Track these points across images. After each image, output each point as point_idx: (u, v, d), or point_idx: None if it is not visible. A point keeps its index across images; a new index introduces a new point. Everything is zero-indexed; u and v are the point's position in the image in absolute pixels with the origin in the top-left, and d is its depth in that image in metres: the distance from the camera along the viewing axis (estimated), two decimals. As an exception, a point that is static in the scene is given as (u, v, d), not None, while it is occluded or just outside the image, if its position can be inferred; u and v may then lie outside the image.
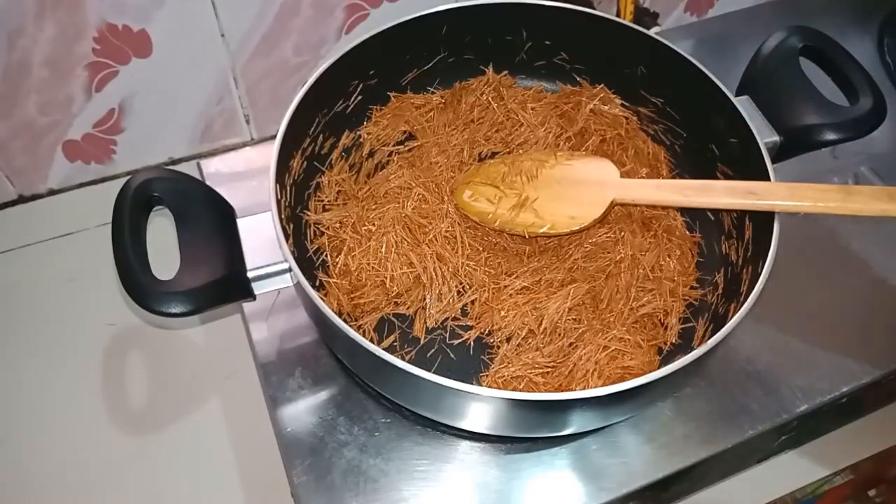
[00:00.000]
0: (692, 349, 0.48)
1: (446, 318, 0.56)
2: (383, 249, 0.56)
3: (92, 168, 0.73)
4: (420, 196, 0.59)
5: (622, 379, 0.45)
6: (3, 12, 0.58)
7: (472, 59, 0.68)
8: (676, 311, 0.56)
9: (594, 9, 0.66)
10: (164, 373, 0.62)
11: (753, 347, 0.59)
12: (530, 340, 0.54)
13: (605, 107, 0.66)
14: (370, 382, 0.54)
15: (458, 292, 0.57)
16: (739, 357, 0.58)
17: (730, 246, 0.59)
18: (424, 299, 0.56)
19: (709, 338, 0.46)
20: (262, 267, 0.49)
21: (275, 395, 0.55)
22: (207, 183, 0.60)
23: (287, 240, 0.50)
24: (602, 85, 0.67)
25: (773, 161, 0.56)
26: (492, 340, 0.55)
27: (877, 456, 0.62)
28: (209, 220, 0.51)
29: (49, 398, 0.61)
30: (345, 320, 0.46)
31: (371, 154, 0.65)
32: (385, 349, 0.46)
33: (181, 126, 0.73)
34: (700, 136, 0.63)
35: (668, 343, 0.56)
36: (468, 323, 0.56)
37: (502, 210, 0.59)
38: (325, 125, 0.62)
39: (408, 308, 0.56)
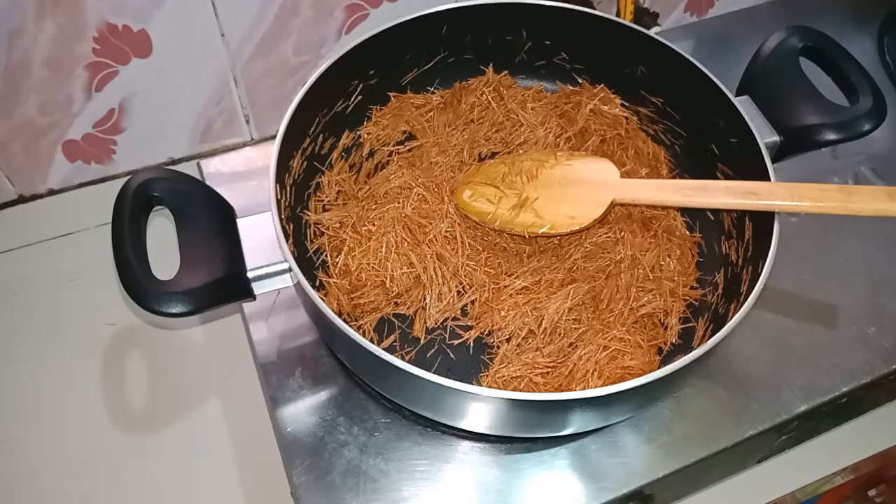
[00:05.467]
0: (692, 349, 0.48)
1: (446, 318, 0.56)
2: (383, 249, 0.56)
3: (92, 168, 0.73)
4: (420, 196, 0.59)
5: (622, 379, 0.45)
6: (3, 12, 0.58)
7: (472, 59, 0.68)
8: (676, 311, 0.56)
9: (594, 9, 0.66)
10: (164, 373, 0.62)
11: (753, 347, 0.59)
12: (530, 340, 0.54)
13: (605, 107, 0.66)
14: (370, 382, 0.54)
15: (458, 292, 0.57)
16: (739, 357, 0.58)
17: (730, 246, 0.59)
18: (424, 299, 0.56)
19: (709, 338, 0.46)
20: (262, 267, 0.49)
21: (275, 395, 0.55)
22: (207, 183, 0.60)
23: (287, 240, 0.50)
24: (602, 85, 0.67)
25: (773, 161, 0.56)
26: (492, 340, 0.55)
27: (877, 456, 0.62)
28: (209, 220, 0.51)
29: (49, 398, 0.61)
30: (345, 320, 0.46)
31: (371, 154, 0.65)
32: (385, 349, 0.46)
33: (181, 126, 0.73)
34: (700, 136, 0.63)
35: (668, 343, 0.56)
36: (468, 323, 0.56)
37: (502, 210, 0.59)
38: (325, 125, 0.62)
39: (408, 308, 0.56)
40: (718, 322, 0.54)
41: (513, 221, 0.58)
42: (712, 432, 0.54)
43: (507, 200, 0.59)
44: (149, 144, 0.73)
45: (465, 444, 0.53)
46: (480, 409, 0.47)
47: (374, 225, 0.57)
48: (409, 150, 0.66)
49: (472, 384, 0.43)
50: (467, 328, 0.56)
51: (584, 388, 0.50)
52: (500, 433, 0.51)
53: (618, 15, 0.82)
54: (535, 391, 0.51)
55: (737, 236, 0.58)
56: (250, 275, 0.49)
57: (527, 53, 0.69)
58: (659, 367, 0.48)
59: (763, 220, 0.53)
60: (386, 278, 0.55)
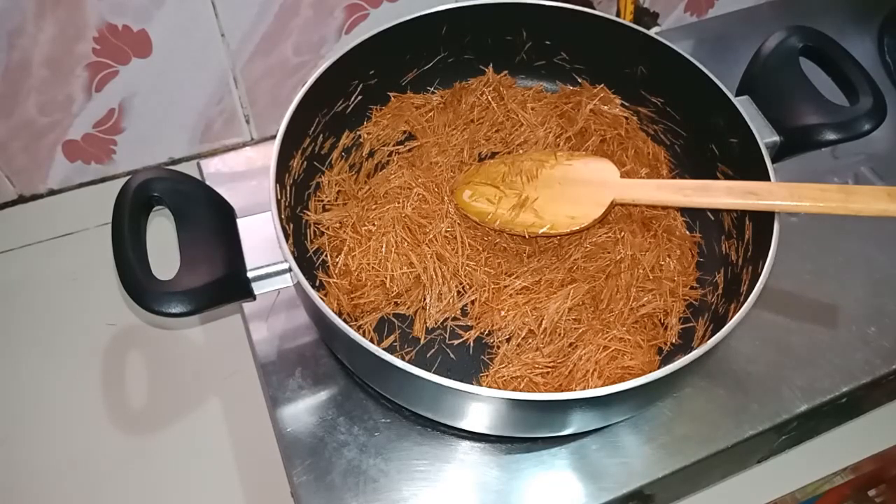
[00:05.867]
0: (692, 349, 0.48)
1: (446, 318, 0.56)
2: (383, 249, 0.56)
3: (92, 168, 0.73)
4: (420, 196, 0.59)
5: (622, 379, 0.45)
6: (3, 12, 0.58)
7: (472, 59, 0.68)
8: (676, 311, 0.56)
9: (594, 9, 0.66)
10: (164, 373, 0.62)
11: (753, 347, 0.59)
12: (530, 340, 0.54)
13: (605, 107, 0.66)
14: (370, 382, 0.54)
15: (458, 292, 0.57)
16: (739, 357, 0.58)
17: (730, 246, 0.59)
18: (424, 299, 0.56)
19: (709, 338, 0.46)
20: (262, 267, 0.49)
21: (275, 395, 0.55)
22: (207, 183, 0.60)
23: (287, 240, 0.50)
24: (602, 85, 0.67)
25: (773, 161, 0.56)
26: (492, 340, 0.55)
27: (877, 456, 0.62)
28: (209, 220, 0.51)
29: (49, 398, 0.61)
30: (345, 320, 0.46)
31: (371, 154, 0.65)
32: (385, 349, 0.46)
33: (181, 126, 0.73)
34: (700, 136, 0.63)
35: (668, 343, 0.56)
36: (468, 323, 0.56)
37: (502, 210, 0.59)
38: (325, 125, 0.62)
39: (408, 308, 0.56)
40: (718, 322, 0.54)
41: (513, 221, 0.58)
42: (712, 432, 0.54)
43: (507, 200, 0.59)
44: (149, 144, 0.73)
45: (465, 444, 0.53)
46: (480, 409, 0.47)
47: (374, 225, 0.57)
48: (409, 150, 0.66)
49: (472, 384, 0.43)
50: (467, 328, 0.56)
51: (584, 388, 0.50)
52: (500, 433, 0.51)
53: (618, 15, 0.82)
54: (535, 391, 0.51)
55: (737, 236, 0.58)
56: (250, 275, 0.49)
57: (527, 53, 0.69)
58: (659, 367, 0.48)
59: (763, 220, 0.53)
60: (386, 278, 0.55)
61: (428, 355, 0.55)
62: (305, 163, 0.60)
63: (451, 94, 0.68)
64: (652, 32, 0.63)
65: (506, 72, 0.69)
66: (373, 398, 0.55)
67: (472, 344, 0.55)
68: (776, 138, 0.58)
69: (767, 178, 0.54)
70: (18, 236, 0.70)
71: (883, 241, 0.66)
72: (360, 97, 0.64)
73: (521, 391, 0.49)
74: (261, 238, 0.50)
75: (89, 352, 0.63)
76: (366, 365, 0.50)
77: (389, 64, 0.65)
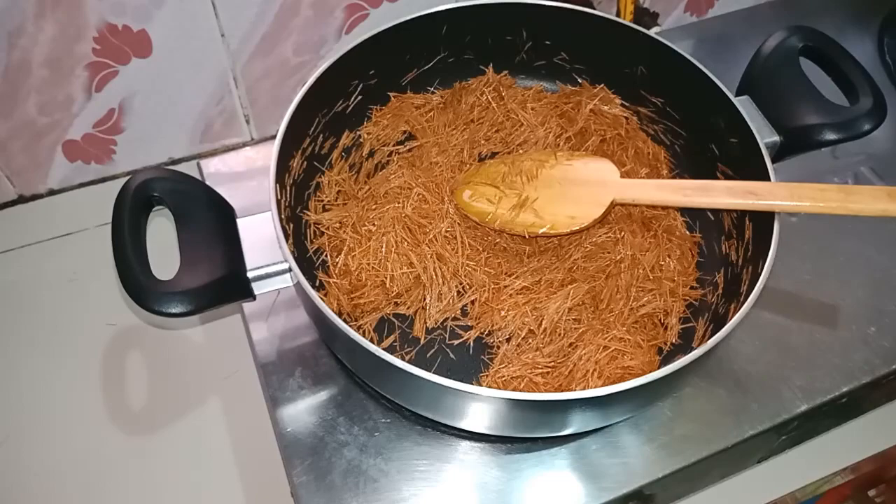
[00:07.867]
0: (692, 349, 0.48)
1: (446, 318, 0.56)
2: (383, 249, 0.56)
3: (92, 168, 0.73)
4: (420, 196, 0.59)
5: (622, 379, 0.46)
6: (3, 12, 0.58)
7: (472, 59, 0.68)
8: (676, 311, 0.56)
9: (594, 9, 0.66)
10: (164, 373, 0.62)
11: (753, 347, 0.59)
12: (530, 340, 0.54)
13: (605, 107, 0.66)
14: (370, 382, 0.54)
15: (458, 292, 0.57)
16: (739, 357, 0.58)
17: (730, 246, 0.59)
18: (424, 299, 0.56)
19: (709, 338, 0.46)
20: (262, 267, 0.49)
21: (275, 395, 0.55)
22: (207, 183, 0.60)
23: (287, 240, 0.50)
24: (602, 85, 0.67)
25: (773, 161, 0.56)
26: (492, 340, 0.55)
27: (877, 456, 0.62)
28: (209, 220, 0.51)
29: (49, 398, 0.61)
30: (345, 320, 0.46)
31: (371, 154, 0.65)
32: (385, 349, 0.46)
33: (181, 126, 0.73)
34: (700, 136, 0.63)
35: (668, 343, 0.56)
36: (468, 323, 0.56)
37: (502, 210, 0.59)
38: (325, 125, 0.62)
39: (408, 308, 0.56)
40: (718, 322, 0.54)
41: (513, 221, 0.58)
42: (712, 432, 0.54)
43: (507, 200, 0.59)
44: (149, 144, 0.73)
45: (465, 444, 0.53)
46: (480, 409, 0.47)
47: (374, 225, 0.57)
48: (409, 150, 0.66)
49: (472, 384, 0.43)
50: (467, 328, 0.56)
51: (584, 388, 0.50)
52: (500, 433, 0.51)
53: (618, 15, 0.82)
54: (535, 391, 0.51)
55: (737, 236, 0.58)
56: (250, 275, 0.49)
57: (527, 53, 0.69)
58: (659, 367, 0.48)
59: (763, 220, 0.53)
60: (386, 278, 0.55)
61: (428, 355, 0.55)
62: (305, 163, 0.60)
63: (451, 94, 0.68)
64: (652, 32, 0.63)
65: (506, 72, 0.69)
66: (373, 398, 0.55)
67: (472, 344, 0.55)
68: (776, 138, 0.58)
69: (767, 178, 0.54)
70: (18, 236, 0.70)
71: (883, 241, 0.66)
72: (360, 97, 0.64)
73: (521, 391, 0.49)
74: (261, 238, 0.50)
75: (89, 352, 0.63)
76: (366, 365, 0.50)
77: (389, 64, 0.65)
